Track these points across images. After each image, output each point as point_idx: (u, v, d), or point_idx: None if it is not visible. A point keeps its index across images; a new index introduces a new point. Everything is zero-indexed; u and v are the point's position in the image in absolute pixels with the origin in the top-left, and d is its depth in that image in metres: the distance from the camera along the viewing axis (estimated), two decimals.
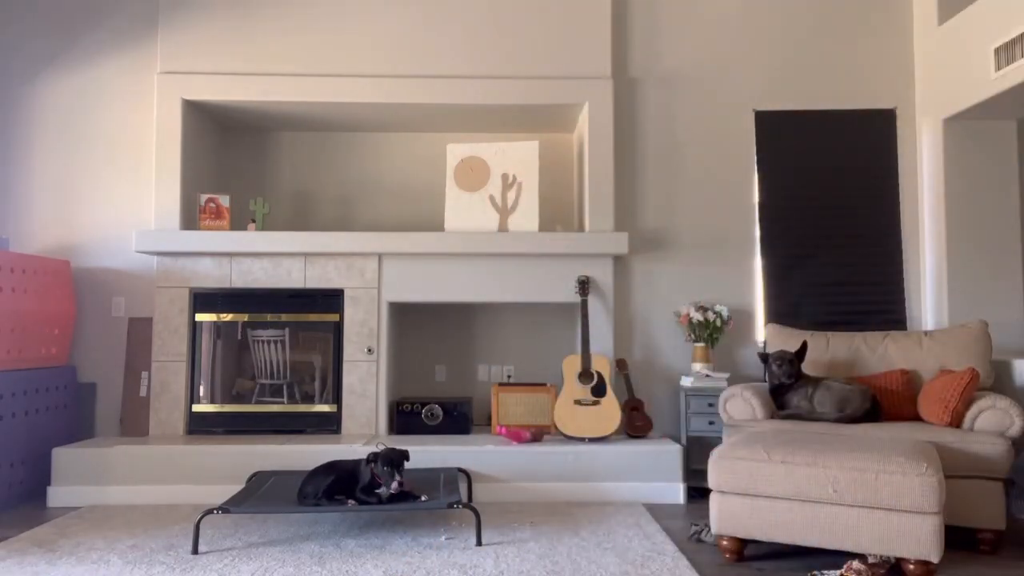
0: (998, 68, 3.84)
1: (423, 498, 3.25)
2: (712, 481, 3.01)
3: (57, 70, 4.62)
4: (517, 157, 4.42)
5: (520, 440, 4.03)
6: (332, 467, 3.31)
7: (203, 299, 4.38)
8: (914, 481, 2.68)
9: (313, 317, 4.41)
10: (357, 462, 3.33)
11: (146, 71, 4.60)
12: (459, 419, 4.31)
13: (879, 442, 3.01)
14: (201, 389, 4.38)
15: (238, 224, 4.69)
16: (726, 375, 4.24)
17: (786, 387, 3.72)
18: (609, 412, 4.09)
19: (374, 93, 4.37)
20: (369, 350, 4.31)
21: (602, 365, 4.19)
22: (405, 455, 3.26)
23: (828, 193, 4.62)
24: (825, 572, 2.77)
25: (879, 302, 4.58)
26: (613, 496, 3.90)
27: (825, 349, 4.00)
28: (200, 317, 4.38)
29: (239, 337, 4.50)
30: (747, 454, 2.96)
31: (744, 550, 3.01)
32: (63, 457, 3.86)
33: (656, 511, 3.72)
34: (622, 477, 3.91)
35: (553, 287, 4.36)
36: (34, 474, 4.02)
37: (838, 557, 2.96)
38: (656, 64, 4.70)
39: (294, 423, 4.36)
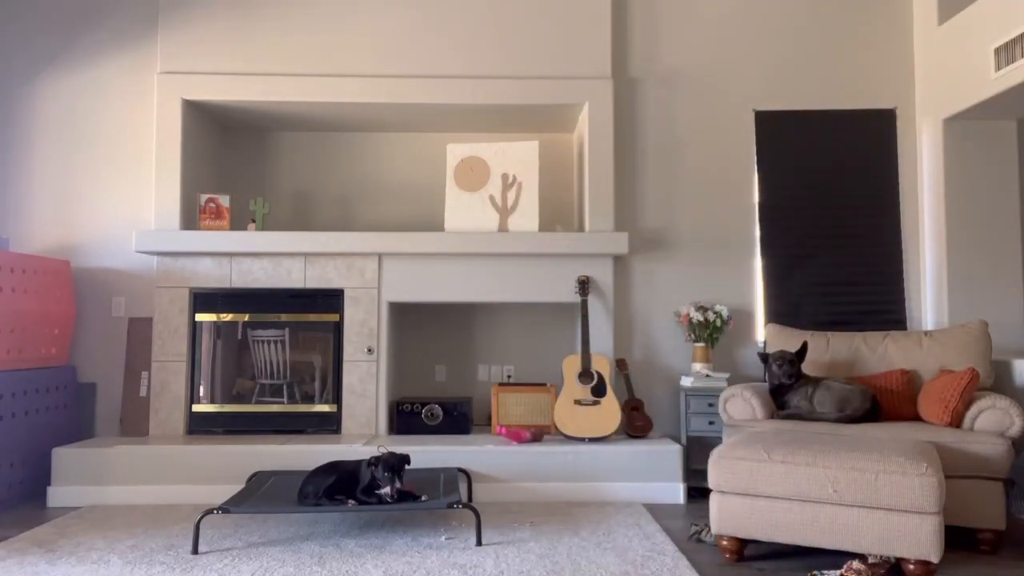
0: (998, 68, 3.84)
1: (423, 498, 3.25)
2: (712, 481, 3.01)
3: (57, 70, 4.62)
4: (517, 157, 4.42)
5: (520, 440, 4.04)
6: (333, 467, 3.31)
7: (203, 299, 4.38)
8: (914, 481, 2.68)
9: (313, 317, 4.41)
10: (358, 462, 3.33)
11: (146, 71, 4.61)
12: (459, 419, 4.31)
13: (879, 442, 3.01)
14: (201, 389, 4.38)
15: (238, 224, 4.69)
16: (726, 375, 4.24)
17: (786, 387, 3.72)
18: (609, 412, 4.09)
19: (374, 93, 4.37)
20: (369, 350, 4.31)
21: (602, 365, 4.19)
22: (406, 460, 3.26)
23: (828, 193, 4.62)
24: (825, 572, 2.77)
25: (879, 302, 4.58)
26: (613, 496, 3.90)
27: (825, 349, 4.00)
28: (200, 317, 4.38)
29: (239, 337, 4.50)
30: (747, 454, 2.96)
31: (744, 550, 3.01)
32: (63, 457, 3.86)
33: (656, 511, 3.72)
34: (622, 477, 3.91)
35: (553, 287, 4.36)
36: (34, 474, 4.02)
37: (838, 557, 2.96)
38: (656, 64, 4.70)
39: (294, 423, 4.36)
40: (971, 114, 4.26)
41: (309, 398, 4.45)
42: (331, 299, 4.37)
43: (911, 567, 2.70)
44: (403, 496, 3.24)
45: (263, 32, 4.42)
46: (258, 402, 4.44)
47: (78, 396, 4.47)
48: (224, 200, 4.42)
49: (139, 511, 3.69)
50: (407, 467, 3.28)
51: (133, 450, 3.88)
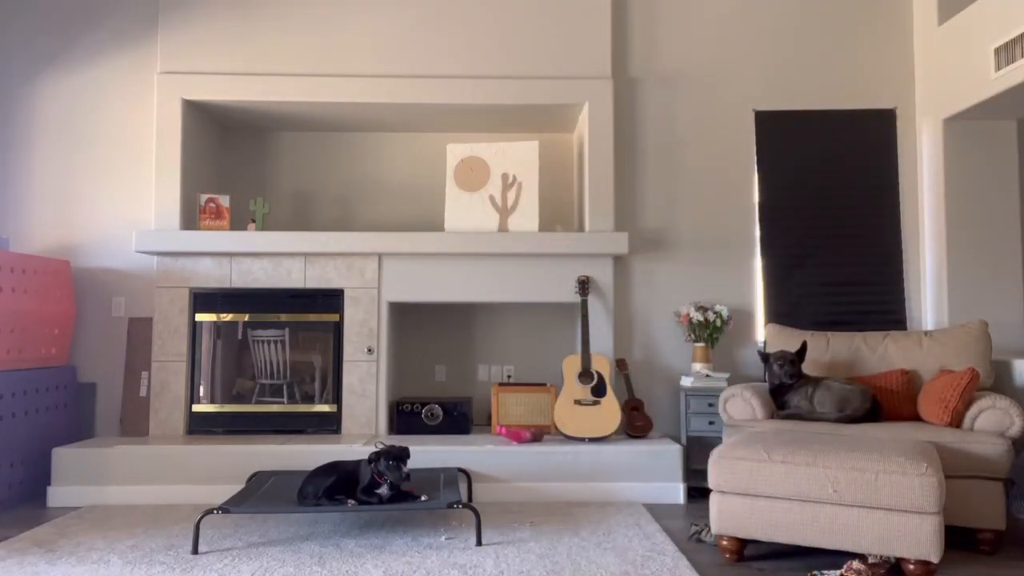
0: (998, 68, 3.84)
1: (423, 498, 3.25)
2: (712, 481, 3.01)
3: (57, 70, 4.62)
4: (517, 157, 4.42)
5: (520, 440, 4.03)
6: (333, 467, 3.31)
7: (203, 299, 4.38)
8: (914, 481, 2.68)
9: (313, 317, 4.41)
10: (358, 462, 3.33)
11: (146, 71, 4.61)
12: (459, 419, 4.31)
13: (879, 442, 3.01)
14: (201, 389, 4.38)
15: (238, 224, 4.69)
16: (726, 375, 4.24)
17: (786, 387, 3.72)
18: (609, 412, 4.09)
19: (374, 93, 4.37)
20: (369, 350, 4.31)
21: (602, 365, 4.19)
22: (406, 451, 3.26)
23: (828, 193, 4.62)
24: (825, 572, 2.77)
25: (879, 302, 4.58)
26: (613, 496, 3.90)
27: (825, 349, 4.00)
28: (200, 317, 4.38)
29: (239, 337, 4.50)
30: (747, 454, 2.96)
31: (744, 550, 3.01)
32: (63, 457, 3.86)
33: (656, 511, 3.72)
34: (622, 477, 3.91)
35: (553, 287, 4.36)
36: (34, 474, 4.02)
37: (838, 557, 2.96)
38: (656, 64, 4.70)
39: (294, 423, 4.36)
40: (971, 114, 4.26)
41: (309, 398, 4.45)
42: (331, 299, 4.37)
43: (911, 567, 2.70)
44: (403, 496, 3.24)
45: (263, 32, 4.42)
46: (258, 402, 4.44)
47: (78, 396, 4.47)
48: (224, 200, 4.42)
49: (139, 511, 3.69)
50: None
51: (133, 450, 3.88)
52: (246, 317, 4.41)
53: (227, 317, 4.40)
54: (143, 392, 4.34)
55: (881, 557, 2.76)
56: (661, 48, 4.70)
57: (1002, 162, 4.39)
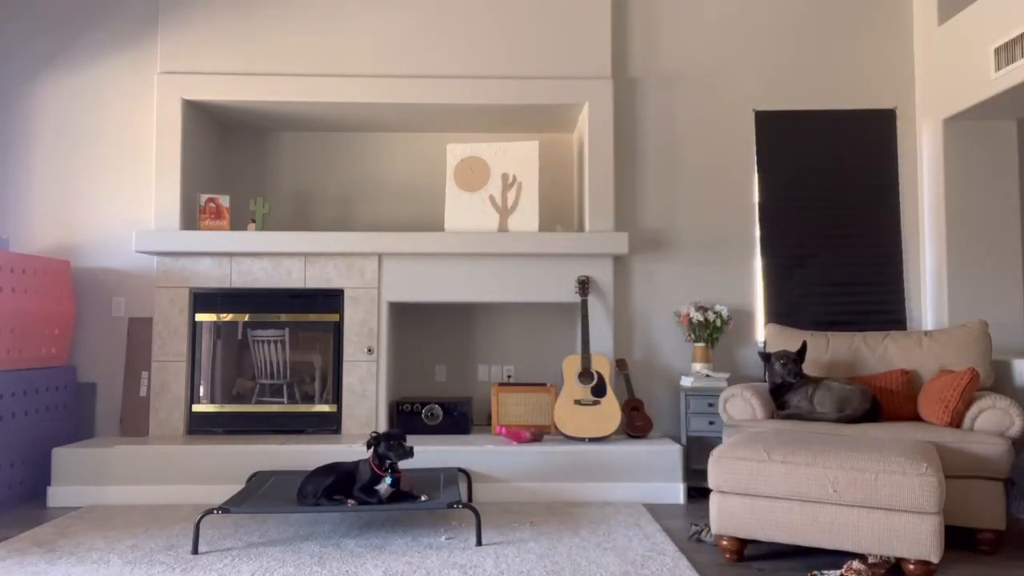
0: (998, 68, 3.84)
1: (423, 498, 3.25)
2: (712, 481, 3.01)
3: (57, 70, 4.62)
4: (517, 157, 4.42)
5: (520, 440, 4.03)
6: (332, 468, 3.31)
7: (203, 299, 4.38)
8: (914, 481, 2.68)
9: (313, 317, 4.41)
10: (357, 463, 3.33)
11: (146, 71, 4.61)
12: (459, 419, 4.31)
13: (879, 442, 3.01)
14: (201, 389, 4.38)
15: (238, 224, 4.69)
16: (726, 375, 4.24)
17: (786, 387, 3.72)
18: (609, 412, 4.09)
19: (374, 93, 4.37)
20: (369, 350, 4.31)
21: (602, 365, 4.19)
22: (402, 432, 3.30)
23: (828, 193, 4.62)
24: (825, 572, 2.77)
25: (879, 302, 4.58)
26: (613, 496, 3.90)
27: (825, 349, 4.00)
28: (200, 317, 4.38)
29: (239, 337, 4.50)
30: (747, 454, 2.96)
31: (744, 550, 3.01)
32: (63, 457, 3.86)
33: (656, 511, 3.72)
34: (622, 477, 3.91)
35: (553, 287, 4.36)
36: (34, 474, 4.02)
37: (838, 557, 2.96)
38: (656, 64, 4.70)
39: (294, 423, 4.36)
40: (971, 114, 4.26)
41: (309, 398, 4.45)
42: (331, 299, 4.37)
43: (911, 567, 2.70)
44: (402, 496, 3.25)
45: (263, 32, 4.42)
46: (258, 402, 4.44)
47: (78, 396, 4.47)
48: (224, 200, 4.42)
49: (139, 511, 3.69)
50: (406, 464, 3.29)
51: (133, 450, 3.88)
52: (246, 317, 4.41)
53: (227, 317, 4.40)
54: (143, 392, 4.34)
55: (881, 557, 2.76)
56: (661, 48, 4.70)
57: (1002, 162, 4.39)
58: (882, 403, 3.63)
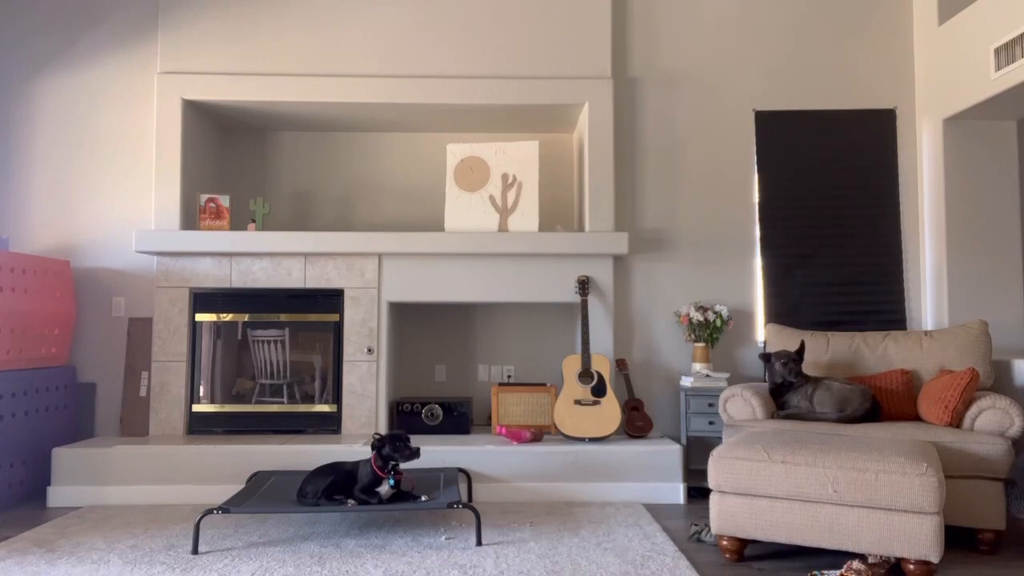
0: (998, 68, 3.84)
1: (423, 498, 3.25)
2: (712, 481, 3.01)
3: (57, 69, 4.62)
4: (517, 157, 4.42)
5: (520, 440, 4.04)
6: (332, 468, 3.31)
7: (203, 299, 4.38)
8: (914, 481, 2.68)
9: (313, 317, 4.41)
10: (357, 463, 3.33)
11: (146, 71, 4.61)
12: (459, 419, 4.31)
13: (879, 442, 3.01)
14: (201, 389, 4.38)
15: (238, 224, 4.69)
16: (726, 375, 4.24)
17: (786, 387, 3.73)
18: (609, 412, 4.09)
19: (374, 93, 4.37)
20: (369, 350, 4.31)
21: (602, 365, 4.19)
22: (405, 433, 3.30)
23: (828, 193, 4.62)
24: (825, 572, 2.77)
25: (879, 302, 4.58)
26: (613, 496, 3.90)
27: (825, 349, 4.00)
28: (200, 317, 4.38)
29: (239, 337, 4.50)
30: (747, 454, 2.96)
31: (744, 550, 3.01)
32: (63, 457, 3.86)
33: (656, 511, 3.72)
34: (622, 477, 3.91)
35: (553, 287, 4.36)
36: (34, 474, 4.02)
37: (838, 557, 2.96)
38: (656, 64, 4.70)
39: (294, 423, 4.36)
40: (971, 114, 4.26)
41: (309, 398, 4.45)
42: (331, 299, 4.37)
43: (911, 567, 2.70)
44: (402, 496, 3.25)
45: (263, 32, 4.42)
46: (258, 402, 4.44)
47: (78, 396, 4.47)
48: (224, 200, 4.42)
49: (139, 511, 3.69)
50: (407, 464, 3.29)
51: (133, 450, 3.88)
52: (246, 317, 4.41)
53: (227, 317, 4.40)
54: (143, 392, 4.34)
55: (881, 557, 2.76)
56: (661, 48, 4.70)
57: (1002, 162, 4.39)
58: (882, 403, 3.63)
